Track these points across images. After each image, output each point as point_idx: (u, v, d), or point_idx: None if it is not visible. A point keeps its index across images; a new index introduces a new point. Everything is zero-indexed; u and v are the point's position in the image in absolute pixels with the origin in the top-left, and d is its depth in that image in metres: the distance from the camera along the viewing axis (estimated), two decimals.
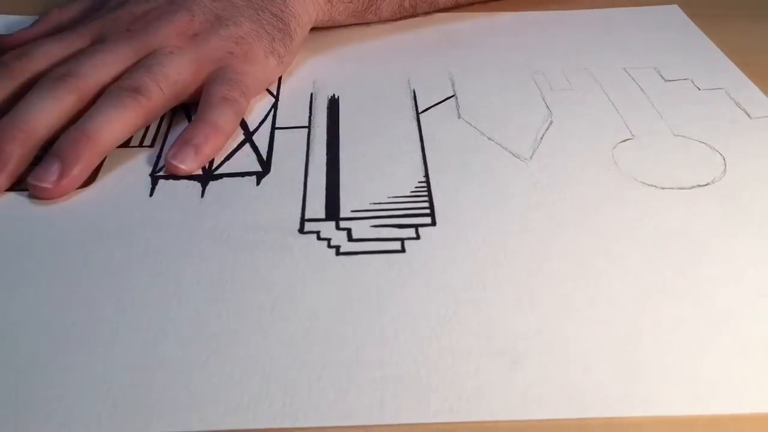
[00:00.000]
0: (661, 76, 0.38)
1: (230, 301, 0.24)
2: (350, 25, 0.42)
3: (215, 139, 0.31)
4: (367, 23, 0.42)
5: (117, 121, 0.29)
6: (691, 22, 0.44)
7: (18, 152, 0.28)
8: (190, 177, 0.30)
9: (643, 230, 0.27)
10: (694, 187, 0.30)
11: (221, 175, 0.30)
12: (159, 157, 0.32)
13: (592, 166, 0.31)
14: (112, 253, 0.26)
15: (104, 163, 0.31)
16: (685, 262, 0.26)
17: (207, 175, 0.30)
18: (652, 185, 0.30)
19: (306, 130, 0.34)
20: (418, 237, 0.27)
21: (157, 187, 0.30)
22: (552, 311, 0.24)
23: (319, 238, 0.27)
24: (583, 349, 0.23)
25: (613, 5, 0.46)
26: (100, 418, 0.21)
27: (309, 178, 0.30)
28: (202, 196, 0.29)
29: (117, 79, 0.31)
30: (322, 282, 0.25)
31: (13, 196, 0.29)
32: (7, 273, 0.25)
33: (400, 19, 0.43)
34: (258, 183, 0.30)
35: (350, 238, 0.27)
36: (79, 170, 0.28)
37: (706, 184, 0.30)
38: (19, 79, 0.31)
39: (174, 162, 0.30)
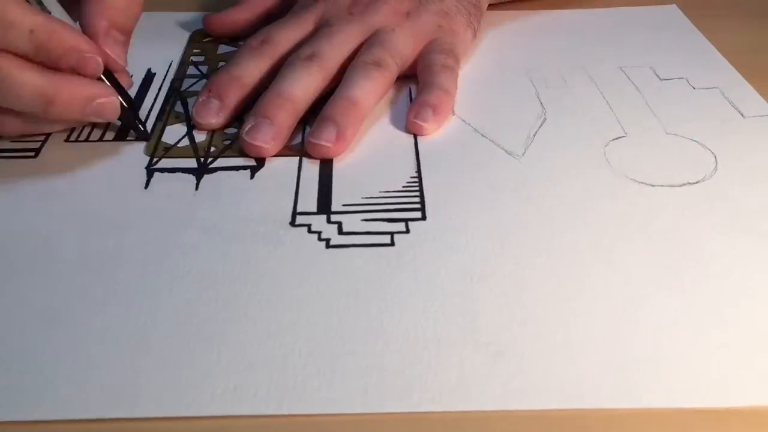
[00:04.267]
0: (657, 75, 0.38)
1: (220, 290, 0.25)
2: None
3: (447, 101, 0.34)
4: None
5: (372, 91, 0.33)
6: (689, 22, 0.44)
7: (289, 121, 0.32)
8: (185, 170, 0.31)
9: (633, 226, 0.27)
10: (684, 184, 0.30)
11: (216, 169, 0.31)
12: (155, 150, 0.32)
13: (584, 163, 0.31)
14: (105, 242, 0.27)
15: (100, 155, 0.31)
16: (674, 258, 0.26)
17: (202, 168, 0.31)
18: (642, 182, 0.30)
19: (301, 125, 0.34)
20: (407, 231, 0.27)
21: (152, 180, 0.30)
22: (537, 305, 0.24)
23: (309, 231, 0.27)
24: (567, 341, 0.23)
25: (611, 5, 0.46)
26: (88, 402, 0.21)
27: (302, 172, 0.31)
28: (197, 188, 0.30)
29: (352, 57, 0.35)
30: (311, 273, 0.25)
31: (7, 186, 0.30)
32: (1, 261, 0.26)
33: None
34: (252, 176, 0.30)
35: (340, 231, 0.27)
36: (351, 133, 0.32)
37: (697, 182, 0.30)
38: (267, 61, 0.34)
39: (417, 121, 0.33)
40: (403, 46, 0.36)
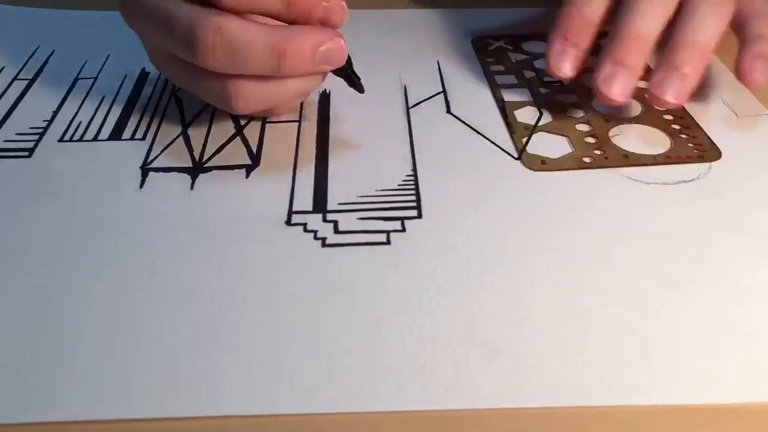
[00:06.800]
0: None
1: (216, 290, 0.25)
2: None
3: None
4: None
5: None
6: None
7: (642, 66, 0.31)
8: (180, 169, 0.31)
9: (629, 224, 0.28)
10: (678, 182, 0.30)
11: (211, 168, 0.31)
12: (150, 149, 0.32)
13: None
14: (100, 243, 0.27)
15: (94, 155, 0.31)
16: (669, 255, 0.26)
17: (197, 168, 0.31)
18: (637, 180, 0.30)
19: (296, 124, 0.34)
20: (404, 230, 0.27)
21: (147, 180, 0.30)
22: (534, 303, 0.24)
23: (305, 230, 0.27)
24: (563, 339, 0.23)
25: None
26: (84, 403, 0.21)
27: (298, 171, 0.31)
28: (192, 188, 0.30)
29: None
30: (306, 273, 0.25)
31: (0, 186, 0.29)
32: None
33: None
34: (247, 176, 0.30)
35: (336, 230, 0.27)
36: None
37: (691, 180, 0.30)
38: None
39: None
40: None
